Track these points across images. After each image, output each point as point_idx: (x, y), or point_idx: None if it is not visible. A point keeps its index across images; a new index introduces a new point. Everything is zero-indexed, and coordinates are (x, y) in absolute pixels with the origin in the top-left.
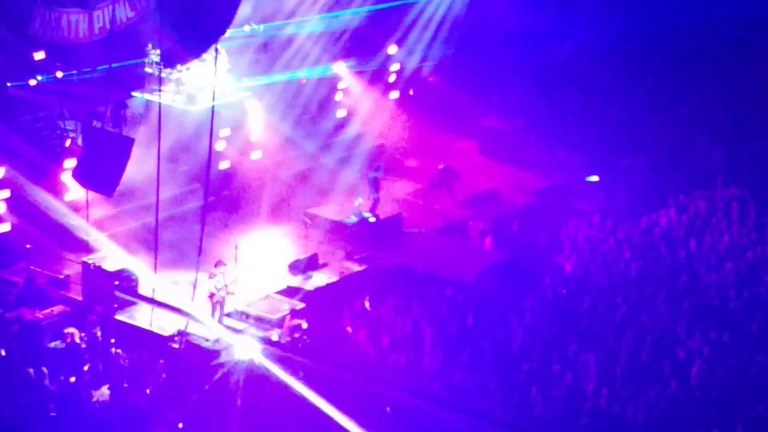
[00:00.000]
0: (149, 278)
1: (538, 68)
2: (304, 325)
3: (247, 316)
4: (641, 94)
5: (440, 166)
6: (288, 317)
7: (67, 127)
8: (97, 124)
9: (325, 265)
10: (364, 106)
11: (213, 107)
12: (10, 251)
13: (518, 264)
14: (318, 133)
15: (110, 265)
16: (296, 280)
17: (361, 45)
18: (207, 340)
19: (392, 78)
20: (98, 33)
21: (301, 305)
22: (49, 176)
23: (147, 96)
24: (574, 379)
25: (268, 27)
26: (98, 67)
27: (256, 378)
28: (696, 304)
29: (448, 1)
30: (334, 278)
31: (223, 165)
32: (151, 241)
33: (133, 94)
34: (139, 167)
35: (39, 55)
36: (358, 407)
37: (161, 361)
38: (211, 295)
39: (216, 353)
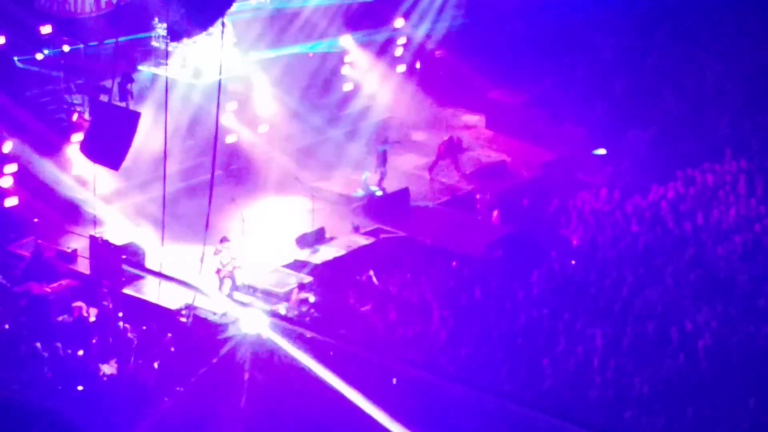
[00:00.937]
0: (156, 252)
1: (545, 41)
2: (312, 299)
3: (255, 289)
4: (648, 67)
5: (444, 138)
6: (295, 291)
7: (74, 101)
8: (104, 98)
9: (332, 238)
10: (370, 80)
11: (220, 81)
12: (17, 225)
13: (525, 237)
14: (325, 106)
15: (117, 239)
16: (303, 254)
17: (367, 18)
18: (214, 313)
19: (399, 51)
20: (105, 7)
21: (308, 279)
22: (56, 150)
23: (153, 70)
24: (581, 352)
25: (274, 0)
26: (105, 41)
27: (264, 351)
28: (703, 277)
29: None
30: (342, 252)
31: (230, 139)
32: (158, 215)
33: (140, 68)
34: (145, 141)
35: (46, 29)
36: (365, 380)
37: (169, 335)
38: (218, 270)
39: (223, 327)
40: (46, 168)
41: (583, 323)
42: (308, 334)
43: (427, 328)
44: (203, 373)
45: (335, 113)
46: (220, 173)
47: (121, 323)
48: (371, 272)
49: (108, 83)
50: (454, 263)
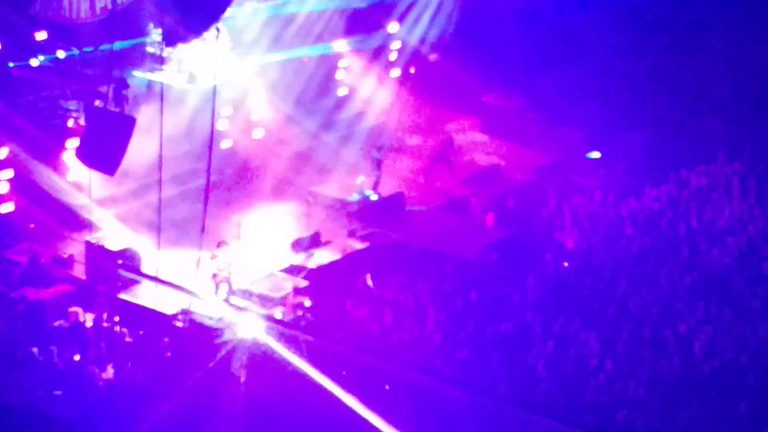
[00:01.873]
0: (152, 257)
1: (540, 45)
2: (307, 303)
3: (250, 294)
4: (642, 71)
5: (438, 142)
6: (291, 295)
7: (70, 107)
8: (99, 103)
9: (327, 243)
10: (365, 84)
11: (215, 86)
12: (13, 231)
13: (520, 241)
14: (319, 111)
15: (113, 244)
16: (299, 258)
17: (362, 23)
18: (210, 318)
19: (393, 56)
20: (100, 12)
21: (304, 283)
22: (51, 156)
23: (149, 75)
24: (576, 355)
25: (269, 5)
26: (100, 47)
27: (260, 356)
28: (697, 279)
29: None
30: (337, 256)
31: (225, 144)
32: (153, 220)
33: (135, 73)
34: (141, 147)
35: (41, 35)
36: (361, 384)
37: (165, 340)
38: (215, 275)
39: (219, 331)
40: (41, 173)
41: (577, 326)
42: (304, 338)
43: (423, 331)
44: (200, 377)
45: (330, 118)
46: (215, 178)
47: (117, 328)
48: (368, 276)
49: (103, 89)
50: (449, 267)
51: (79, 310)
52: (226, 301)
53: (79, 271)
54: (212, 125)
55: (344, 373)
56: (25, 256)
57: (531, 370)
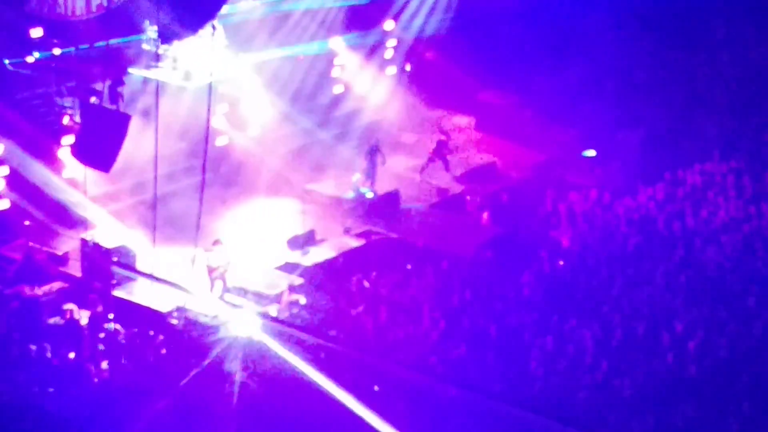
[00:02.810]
0: (147, 254)
1: (535, 43)
2: (303, 301)
3: (246, 291)
4: (637, 69)
5: (435, 140)
6: (286, 292)
7: (65, 104)
8: (94, 100)
9: (323, 240)
10: (361, 82)
11: (210, 84)
12: (8, 228)
13: (515, 238)
14: (315, 108)
15: (108, 242)
16: (294, 256)
17: (357, 20)
18: (206, 315)
19: (389, 54)
20: (95, 9)
21: (299, 280)
22: (47, 153)
23: (144, 73)
24: (571, 353)
25: (265, 3)
26: (96, 44)
27: (255, 353)
28: (692, 277)
29: None
30: (332, 254)
31: (221, 141)
32: (148, 217)
33: (130, 71)
34: (136, 143)
35: (36, 32)
36: (356, 382)
37: (160, 337)
38: (210, 273)
39: (215, 329)
40: (37, 171)
41: (572, 324)
42: (299, 336)
43: (418, 329)
44: (195, 374)
45: (326, 115)
46: (210, 175)
47: (112, 325)
48: (365, 282)
49: (99, 86)
50: (444, 264)
51: (74, 307)
52: (221, 298)
53: (74, 268)
54: (208, 122)
55: (338, 370)
56: (20, 253)
57: (526, 368)
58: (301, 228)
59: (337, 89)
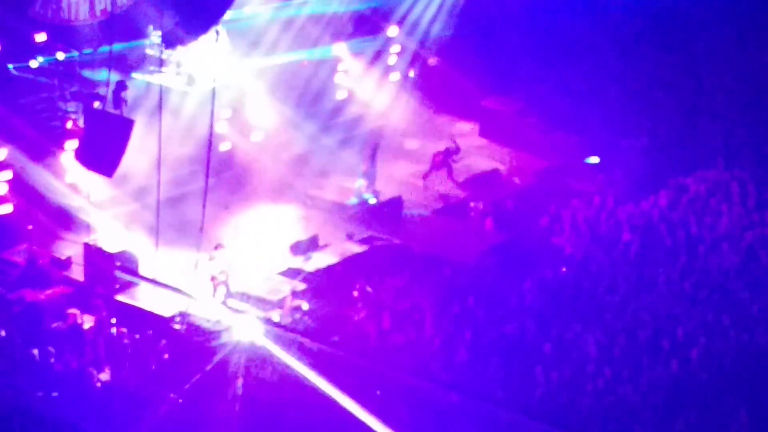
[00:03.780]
0: (150, 259)
1: (539, 50)
2: (305, 306)
3: (248, 297)
4: (641, 76)
5: (441, 147)
6: (289, 298)
7: (69, 109)
8: (98, 105)
9: (325, 246)
10: (364, 88)
11: (213, 89)
12: (11, 232)
13: (518, 245)
14: (318, 114)
15: (111, 246)
16: (297, 261)
17: (361, 26)
18: (208, 320)
19: (392, 60)
20: (99, 14)
21: (302, 286)
22: (50, 158)
23: (148, 77)
24: (574, 359)
25: (268, 8)
26: (99, 49)
27: (257, 358)
28: (696, 285)
29: None
30: (335, 259)
31: (224, 146)
32: (151, 222)
33: (134, 75)
34: (140, 148)
35: (40, 37)
36: (358, 387)
37: (163, 342)
38: (213, 278)
39: (217, 334)
40: (40, 175)
41: (575, 331)
42: (301, 341)
43: (421, 335)
44: (197, 380)
45: (329, 121)
46: (213, 181)
47: (114, 330)
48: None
49: (102, 91)
50: (447, 271)
51: (77, 311)
52: (224, 303)
53: (77, 272)
54: (211, 128)
55: (340, 375)
56: (23, 258)
57: (529, 375)
58: (304, 233)
59: (341, 95)
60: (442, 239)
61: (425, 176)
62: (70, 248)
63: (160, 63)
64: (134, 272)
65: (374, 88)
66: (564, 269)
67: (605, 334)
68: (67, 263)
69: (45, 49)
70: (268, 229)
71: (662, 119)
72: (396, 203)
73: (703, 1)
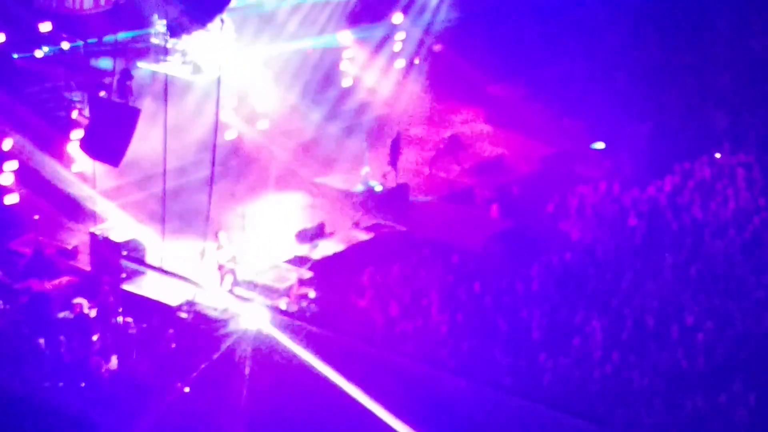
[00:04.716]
0: (157, 248)
1: (544, 35)
2: (312, 294)
3: (255, 285)
4: (647, 61)
5: (447, 135)
6: (295, 286)
7: (74, 98)
8: (103, 94)
9: (332, 234)
10: (369, 75)
11: (219, 77)
12: (18, 222)
13: (524, 231)
14: (324, 102)
15: (118, 236)
16: (303, 249)
17: (366, 13)
18: (215, 309)
19: (398, 47)
20: (104, 4)
21: (308, 274)
22: (56, 147)
23: (153, 66)
24: (581, 345)
25: None
26: (104, 38)
27: (264, 347)
28: (702, 270)
29: None
30: (342, 247)
31: (230, 135)
32: (158, 211)
33: (139, 64)
34: (145, 137)
35: (45, 27)
36: (365, 375)
37: (170, 331)
38: (220, 266)
39: (224, 322)
40: (46, 165)
41: (582, 317)
42: (308, 329)
43: (427, 322)
44: (204, 368)
45: (334, 109)
46: (219, 169)
47: (121, 319)
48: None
49: (107, 80)
50: (454, 258)
51: (84, 301)
52: (231, 292)
53: (83, 262)
54: (216, 116)
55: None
56: (29, 248)
57: (535, 361)
58: (310, 221)
59: (346, 82)
60: (448, 226)
61: (431, 163)
62: (76, 238)
63: (166, 52)
64: (141, 261)
65: (380, 75)
66: (570, 255)
67: (612, 320)
68: (73, 253)
69: (50, 38)
70: (274, 217)
71: (668, 105)
72: (402, 190)
73: None
